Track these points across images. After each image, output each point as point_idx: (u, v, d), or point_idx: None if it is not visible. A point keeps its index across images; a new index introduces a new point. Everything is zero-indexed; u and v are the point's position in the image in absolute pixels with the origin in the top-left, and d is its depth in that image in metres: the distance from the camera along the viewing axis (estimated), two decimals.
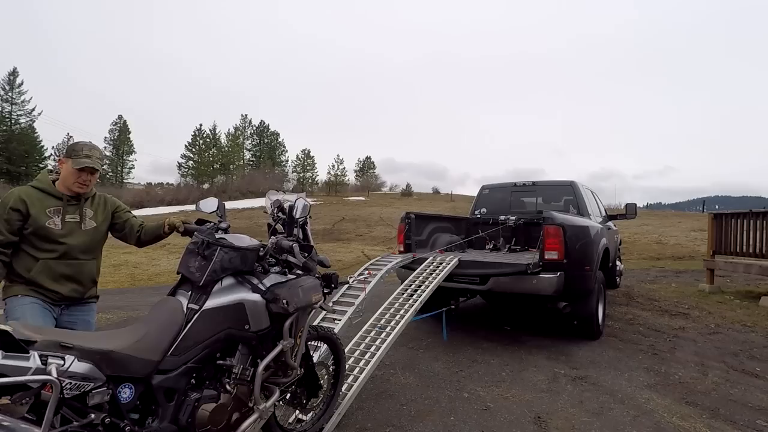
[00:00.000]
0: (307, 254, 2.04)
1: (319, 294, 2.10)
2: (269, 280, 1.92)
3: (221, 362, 1.77)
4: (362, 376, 2.75)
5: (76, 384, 1.33)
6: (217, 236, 1.85)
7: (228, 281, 1.80)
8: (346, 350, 3.00)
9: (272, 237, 2.08)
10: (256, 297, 1.84)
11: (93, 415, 1.38)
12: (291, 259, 1.99)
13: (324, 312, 3.33)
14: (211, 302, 1.72)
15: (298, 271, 2.08)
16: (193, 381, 1.70)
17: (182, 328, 1.65)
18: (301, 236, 2.17)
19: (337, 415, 2.50)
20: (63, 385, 1.28)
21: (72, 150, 2.14)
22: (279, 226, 2.22)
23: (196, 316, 1.68)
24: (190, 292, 1.74)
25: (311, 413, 2.40)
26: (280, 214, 2.21)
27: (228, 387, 1.75)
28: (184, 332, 1.64)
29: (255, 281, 1.88)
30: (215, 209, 2.09)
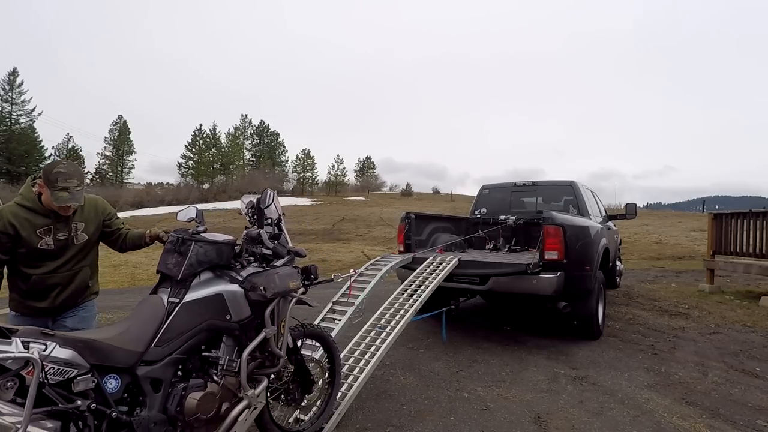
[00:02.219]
0: (276, 241, 2.12)
1: (296, 281, 2.14)
2: (246, 272, 1.98)
3: (207, 354, 1.81)
4: (362, 376, 2.75)
5: (59, 369, 1.37)
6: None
7: (206, 275, 1.85)
8: (346, 350, 3.01)
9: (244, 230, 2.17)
10: (235, 287, 1.89)
11: (79, 402, 1.40)
12: (264, 251, 2.07)
13: (324, 311, 3.33)
14: (191, 295, 1.78)
15: (276, 264, 2.13)
16: (179, 373, 1.74)
17: (164, 320, 1.70)
18: (276, 231, 2.27)
19: (337, 415, 2.50)
20: (46, 370, 1.32)
21: (47, 179, 1.95)
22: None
23: (177, 308, 1.73)
24: (170, 288, 1.80)
25: (310, 413, 2.40)
26: (255, 215, 2.29)
27: (215, 378, 1.78)
28: (166, 324, 1.70)
29: (233, 274, 1.93)
30: (194, 217, 2.12)
